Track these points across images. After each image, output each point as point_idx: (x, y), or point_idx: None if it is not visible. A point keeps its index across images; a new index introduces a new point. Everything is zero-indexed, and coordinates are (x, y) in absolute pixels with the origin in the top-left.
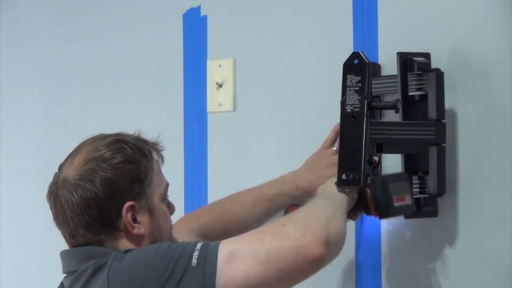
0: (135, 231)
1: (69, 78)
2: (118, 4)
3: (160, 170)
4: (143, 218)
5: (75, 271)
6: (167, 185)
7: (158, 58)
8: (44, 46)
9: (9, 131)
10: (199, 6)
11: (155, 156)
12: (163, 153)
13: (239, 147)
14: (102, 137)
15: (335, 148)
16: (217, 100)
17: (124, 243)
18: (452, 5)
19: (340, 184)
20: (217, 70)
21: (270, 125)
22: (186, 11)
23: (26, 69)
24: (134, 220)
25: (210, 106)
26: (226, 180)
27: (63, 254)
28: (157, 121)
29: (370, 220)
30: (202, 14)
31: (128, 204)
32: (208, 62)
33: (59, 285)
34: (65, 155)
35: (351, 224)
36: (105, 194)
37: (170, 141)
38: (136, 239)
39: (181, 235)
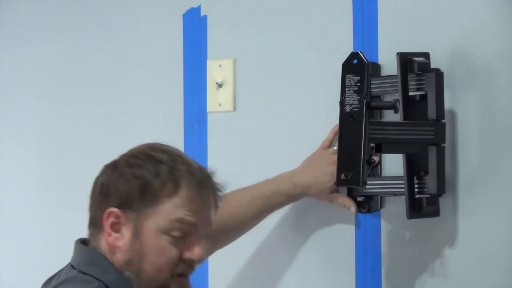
0: (110, 239)
1: (69, 78)
2: (118, 4)
3: (194, 209)
4: (126, 232)
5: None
6: (180, 221)
7: (158, 58)
8: (44, 47)
9: (9, 131)
10: (199, 6)
11: (184, 185)
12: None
13: (239, 147)
14: (157, 148)
15: (335, 147)
16: (217, 100)
17: (104, 246)
18: (452, 5)
19: (339, 183)
20: (217, 70)
21: (270, 125)
22: (186, 11)
23: (26, 69)
24: (116, 229)
25: (210, 106)
26: (226, 180)
27: (77, 244)
28: (157, 121)
29: (370, 220)
30: (202, 14)
31: (111, 209)
32: (208, 62)
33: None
34: (65, 155)
35: (351, 224)
36: (102, 193)
37: (170, 141)
38: (111, 248)
39: None
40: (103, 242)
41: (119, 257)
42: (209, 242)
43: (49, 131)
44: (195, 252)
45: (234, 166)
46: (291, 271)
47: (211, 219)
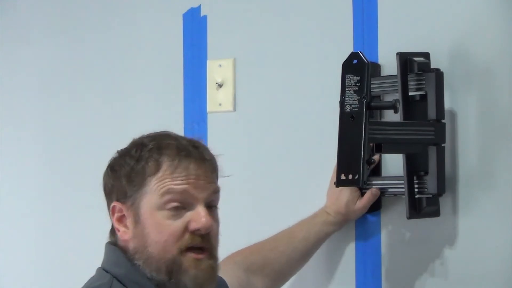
0: (120, 233)
1: (69, 78)
2: (118, 4)
3: (180, 177)
4: (129, 222)
5: None
6: (169, 192)
7: (158, 58)
8: (44, 46)
9: (9, 131)
10: (199, 6)
11: (165, 158)
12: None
13: (239, 147)
14: (149, 134)
15: None
16: (217, 100)
17: (119, 241)
18: (452, 5)
19: (339, 184)
20: (217, 70)
21: (270, 125)
22: (186, 11)
23: (26, 69)
24: (123, 222)
25: (210, 106)
26: (226, 180)
27: (105, 245)
28: (157, 121)
29: (370, 220)
30: (202, 14)
31: (113, 204)
32: (208, 62)
33: None
34: (65, 155)
35: (350, 224)
36: (105, 192)
37: None
38: (123, 241)
39: (227, 267)
40: (119, 238)
41: (130, 248)
42: (266, 280)
43: (49, 131)
44: (198, 220)
45: (234, 166)
46: None
47: (205, 184)
